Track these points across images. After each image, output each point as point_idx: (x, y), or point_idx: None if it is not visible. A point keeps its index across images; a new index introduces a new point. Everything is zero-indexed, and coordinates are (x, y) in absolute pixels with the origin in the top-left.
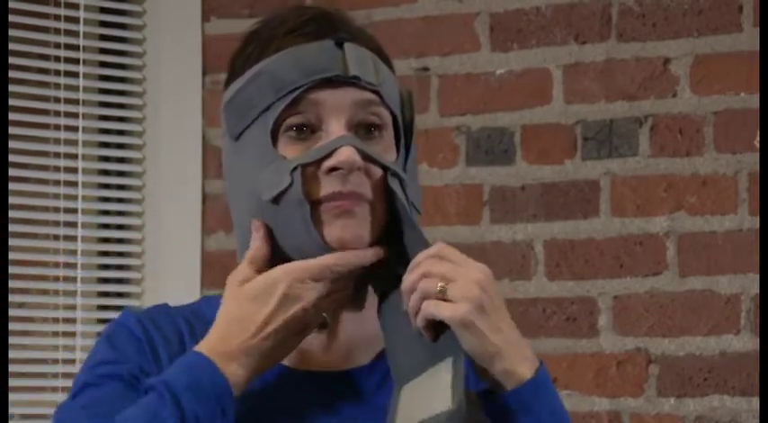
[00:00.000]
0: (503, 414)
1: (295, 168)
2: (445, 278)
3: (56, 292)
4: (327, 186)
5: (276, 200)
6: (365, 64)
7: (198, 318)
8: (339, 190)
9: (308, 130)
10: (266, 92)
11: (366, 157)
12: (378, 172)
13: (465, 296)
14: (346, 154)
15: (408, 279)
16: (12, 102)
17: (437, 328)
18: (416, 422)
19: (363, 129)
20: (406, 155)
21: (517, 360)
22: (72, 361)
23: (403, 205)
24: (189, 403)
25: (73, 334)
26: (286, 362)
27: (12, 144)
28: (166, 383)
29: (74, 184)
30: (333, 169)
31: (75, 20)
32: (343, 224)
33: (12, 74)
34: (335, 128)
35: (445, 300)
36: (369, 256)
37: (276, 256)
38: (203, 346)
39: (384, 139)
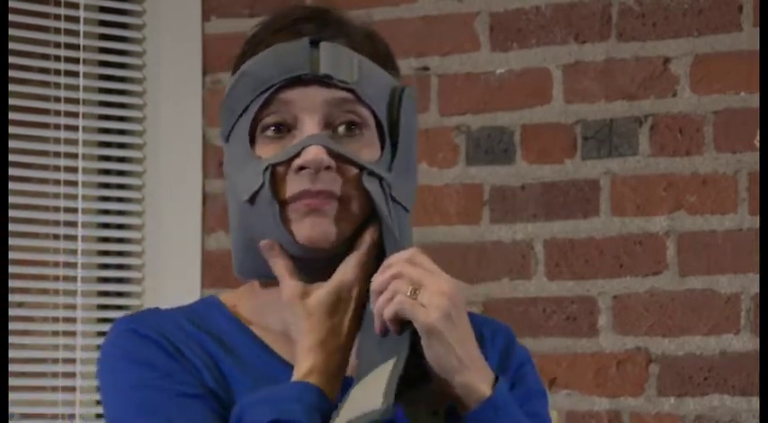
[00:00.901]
0: None
1: (266, 168)
2: (415, 282)
3: (56, 292)
4: (296, 185)
5: (252, 200)
6: (340, 62)
7: (200, 317)
8: (307, 188)
9: (284, 129)
10: (246, 92)
11: (338, 156)
12: (352, 170)
13: (434, 304)
14: (313, 153)
15: (378, 279)
16: (12, 101)
17: (402, 326)
18: (347, 419)
19: (344, 127)
20: (394, 152)
21: (477, 376)
22: (72, 360)
23: (379, 205)
24: None
25: (73, 333)
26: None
27: (12, 143)
28: None
29: (74, 183)
30: (301, 168)
31: (76, 19)
32: (311, 222)
33: (12, 73)
34: (308, 127)
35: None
36: (372, 235)
37: (255, 255)
38: (311, 372)
39: (364, 137)
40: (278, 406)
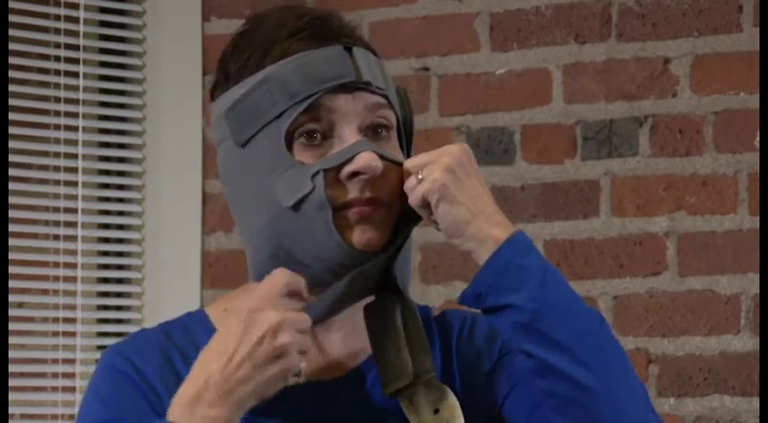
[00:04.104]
0: (493, 286)
1: (316, 173)
2: (420, 166)
3: (56, 292)
4: (348, 192)
5: (297, 206)
6: (374, 69)
7: (187, 335)
8: (358, 196)
9: (319, 137)
10: (278, 99)
11: (384, 158)
12: (396, 174)
13: (436, 169)
14: (366, 159)
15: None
16: (12, 102)
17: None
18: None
19: (372, 130)
20: (409, 155)
21: (490, 224)
22: (72, 361)
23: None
24: None
25: (73, 334)
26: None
27: (12, 144)
28: None
29: (74, 183)
30: (354, 174)
31: (76, 20)
32: (361, 229)
33: (12, 74)
34: (348, 133)
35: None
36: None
37: (283, 262)
38: (174, 404)
39: (391, 139)
40: None
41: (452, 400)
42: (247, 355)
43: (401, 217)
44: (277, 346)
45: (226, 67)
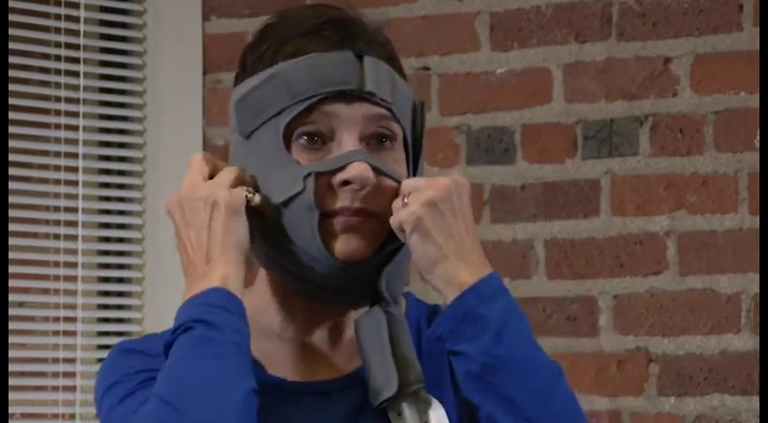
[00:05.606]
0: (451, 331)
1: (308, 175)
2: (411, 188)
3: (56, 292)
4: (337, 200)
5: (286, 204)
6: (382, 80)
7: None
8: (347, 205)
9: (319, 140)
10: (280, 96)
11: (379, 171)
12: (390, 187)
13: (418, 199)
14: (358, 169)
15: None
16: (12, 101)
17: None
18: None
19: (374, 139)
20: (415, 169)
21: (460, 266)
22: (72, 360)
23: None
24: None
25: (73, 333)
26: (288, 376)
27: (12, 143)
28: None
29: (74, 183)
30: (345, 183)
31: (76, 19)
32: (346, 238)
33: (12, 73)
34: (347, 140)
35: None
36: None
37: (276, 258)
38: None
39: (395, 150)
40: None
41: (440, 412)
42: (196, 220)
43: (393, 231)
44: (202, 193)
45: (245, 59)
